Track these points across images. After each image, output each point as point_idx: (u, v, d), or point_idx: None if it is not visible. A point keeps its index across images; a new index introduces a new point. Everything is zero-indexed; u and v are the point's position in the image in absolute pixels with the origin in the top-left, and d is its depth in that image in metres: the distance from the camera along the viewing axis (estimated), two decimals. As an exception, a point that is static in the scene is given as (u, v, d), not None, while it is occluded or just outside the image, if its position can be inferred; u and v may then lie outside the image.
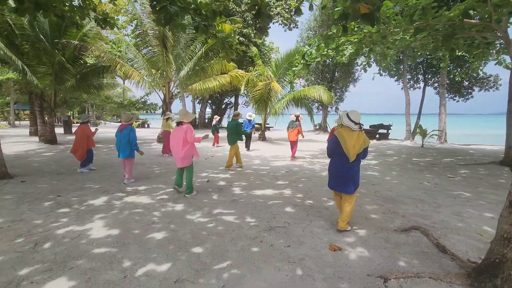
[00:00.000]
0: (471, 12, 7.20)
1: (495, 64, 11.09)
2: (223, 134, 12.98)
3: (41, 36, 11.13)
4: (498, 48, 10.44)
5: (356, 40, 8.85)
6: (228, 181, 6.22)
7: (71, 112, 38.54)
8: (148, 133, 20.97)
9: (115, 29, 7.93)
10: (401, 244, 3.15)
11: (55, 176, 6.54)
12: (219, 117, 13.74)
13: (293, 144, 9.24)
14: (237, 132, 7.68)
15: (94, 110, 38.27)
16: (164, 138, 10.22)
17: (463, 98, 18.58)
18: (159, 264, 2.70)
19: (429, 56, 11.28)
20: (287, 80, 15.14)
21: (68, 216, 3.95)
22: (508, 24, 7.97)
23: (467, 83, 18.25)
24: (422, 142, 13.28)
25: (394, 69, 15.93)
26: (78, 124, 7.54)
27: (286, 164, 8.50)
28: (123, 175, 6.11)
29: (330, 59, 9.44)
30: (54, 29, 11.73)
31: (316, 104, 21.70)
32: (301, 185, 5.89)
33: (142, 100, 31.34)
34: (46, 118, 13.00)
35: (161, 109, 33.45)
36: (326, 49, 8.98)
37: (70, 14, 5.23)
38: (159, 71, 13.17)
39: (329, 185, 3.60)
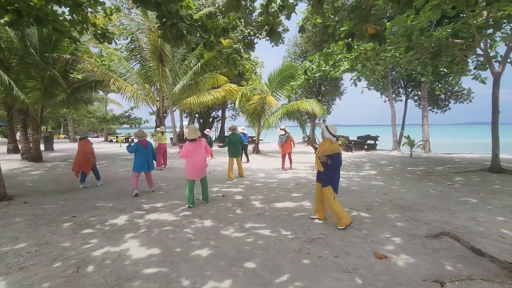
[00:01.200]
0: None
1: (472, 79, 12.08)
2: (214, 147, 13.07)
3: (31, 50, 10.77)
4: (475, 65, 11.41)
5: (352, 57, 9.37)
6: (243, 194, 6.22)
7: (45, 127, 36.80)
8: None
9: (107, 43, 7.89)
10: (438, 250, 3.33)
11: (58, 195, 6.24)
12: (210, 131, 13.66)
13: (288, 156, 9.65)
14: (242, 144, 8.06)
15: (72, 125, 36.78)
16: (158, 151, 9.93)
17: (441, 110, 19.87)
18: (220, 281, 2.68)
19: (413, 72, 12.08)
20: (280, 94, 15.54)
21: (96, 237, 3.80)
22: (488, 44, 8.80)
23: (443, 96, 19.59)
24: (411, 152, 13.98)
25: (381, 84, 16.84)
26: (68, 141, 7.35)
27: (291, 176, 8.63)
28: (132, 190, 6.12)
29: (327, 74, 9.82)
30: (45, 43, 11.39)
31: (305, 116, 22.26)
32: (316, 196, 6.01)
33: (126, 114, 30.60)
34: (31, 135, 12.37)
35: (145, 123, 32.75)
36: (324, 65, 9.39)
37: (69, 28, 5.19)
38: (154, 85, 13.07)
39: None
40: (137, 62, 13.21)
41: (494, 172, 8.57)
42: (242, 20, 14.08)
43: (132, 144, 6.21)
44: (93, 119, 30.80)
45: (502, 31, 8.57)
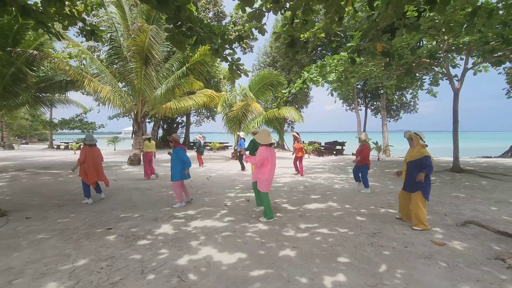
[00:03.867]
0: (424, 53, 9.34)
1: (426, 93, 14.12)
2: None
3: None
4: (430, 81, 13.40)
5: (341, 69, 10.26)
6: (266, 199, 6.36)
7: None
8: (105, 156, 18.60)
9: (95, 40, 7.34)
10: (476, 235, 4.00)
11: (58, 208, 5.58)
12: (202, 136, 13.24)
13: (300, 161, 9.88)
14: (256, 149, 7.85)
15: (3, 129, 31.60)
16: (144, 160, 9.28)
17: (393, 119, 22.54)
18: (333, 275, 2.86)
19: (380, 84, 13.63)
20: (260, 101, 15.93)
21: (160, 247, 3.60)
22: (451, 64, 10.51)
23: (394, 107, 22.30)
24: (378, 156, 15.60)
25: (350, 94, 18.46)
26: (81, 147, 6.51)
27: (293, 180, 9.01)
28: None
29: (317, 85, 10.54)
30: (5, 35, 9.93)
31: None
32: (335, 197, 6.47)
33: (78, 118, 27.62)
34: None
35: (100, 129, 30.11)
36: (316, 76, 10.09)
37: (53, 23, 4.77)
38: (133, 88, 12.26)
39: None
40: (112, 62, 12.24)
41: (456, 172, 10.17)
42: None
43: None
44: (35, 122, 27.04)
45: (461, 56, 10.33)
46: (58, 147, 27.86)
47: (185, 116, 29.04)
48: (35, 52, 9.93)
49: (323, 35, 8.21)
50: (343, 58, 9.06)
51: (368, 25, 4.82)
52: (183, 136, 30.00)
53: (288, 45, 4.75)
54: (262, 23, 4.37)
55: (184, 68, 12.39)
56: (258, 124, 15.69)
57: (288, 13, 4.45)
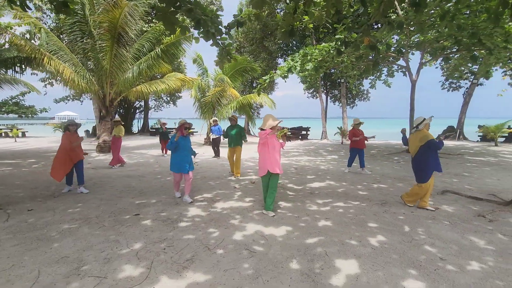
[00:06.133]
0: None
1: (382, 83, 15.79)
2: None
3: None
4: (388, 73, 15.01)
5: (320, 59, 10.93)
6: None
7: None
8: (44, 144, 16.74)
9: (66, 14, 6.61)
10: (455, 200, 5.00)
11: (56, 199, 5.20)
12: (166, 123, 12.62)
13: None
14: (241, 136, 7.54)
15: None
16: (113, 145, 8.64)
17: (349, 106, 24.54)
18: (385, 235, 3.43)
19: (345, 74, 14.80)
20: (233, 86, 15.94)
21: (206, 227, 3.77)
22: (409, 57, 11.95)
23: (350, 95, 24.25)
24: (342, 140, 17.07)
25: (317, 83, 19.49)
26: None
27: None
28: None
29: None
30: None
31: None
32: (328, 176, 7.18)
33: (13, 101, 23.92)
34: None
35: (42, 113, 26.73)
36: (300, 64, 10.59)
37: None
38: (101, 69, 11.23)
39: None
40: (75, 39, 10.90)
41: (411, 152, 11.86)
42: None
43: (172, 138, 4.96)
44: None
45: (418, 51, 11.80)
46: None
47: (143, 101, 27.30)
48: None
49: (311, 25, 8.67)
50: (326, 48, 9.65)
51: (362, 21, 5.41)
52: (142, 122, 28.30)
53: (288, 34, 5.08)
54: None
55: (159, 49, 11.75)
56: (232, 110, 15.75)
57: (292, 4, 4.74)
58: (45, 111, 25.98)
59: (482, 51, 9.74)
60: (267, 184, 4.39)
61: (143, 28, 12.66)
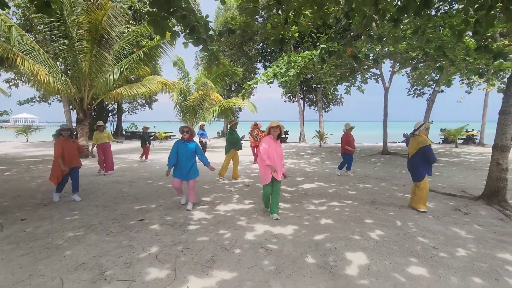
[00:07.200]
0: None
1: (356, 89, 16.78)
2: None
3: None
4: (361, 80, 15.97)
5: (302, 66, 11.42)
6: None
7: None
8: (8, 149, 15.54)
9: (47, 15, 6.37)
10: (433, 197, 5.57)
11: (47, 207, 5.02)
12: (149, 127, 12.33)
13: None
14: (237, 141, 7.72)
15: None
16: (100, 152, 8.18)
17: (324, 110, 25.58)
18: (382, 230, 3.80)
19: (322, 80, 15.55)
20: (215, 90, 16.00)
21: (215, 230, 3.90)
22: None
23: (325, 100, 25.31)
24: (320, 143, 17.78)
25: (297, 87, 20.09)
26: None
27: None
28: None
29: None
30: None
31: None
32: (316, 178, 7.57)
33: (-32, 103, 21.86)
34: None
35: (1, 116, 24.80)
36: (285, 70, 10.99)
37: None
38: (79, 71, 10.76)
39: None
40: (51, 40, 10.33)
41: (386, 154, 12.76)
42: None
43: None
44: None
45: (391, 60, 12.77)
46: None
47: (116, 104, 26.23)
48: None
49: (297, 34, 9.08)
50: (309, 56, 10.13)
51: (345, 33, 5.90)
52: (115, 125, 27.16)
53: (279, 42, 5.42)
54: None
55: (141, 52, 11.53)
56: (214, 114, 15.81)
57: (284, 15, 5.08)
58: (6, 114, 24.10)
59: (444, 62, 10.84)
60: (270, 192, 4.43)
61: (121, 30, 12.27)
